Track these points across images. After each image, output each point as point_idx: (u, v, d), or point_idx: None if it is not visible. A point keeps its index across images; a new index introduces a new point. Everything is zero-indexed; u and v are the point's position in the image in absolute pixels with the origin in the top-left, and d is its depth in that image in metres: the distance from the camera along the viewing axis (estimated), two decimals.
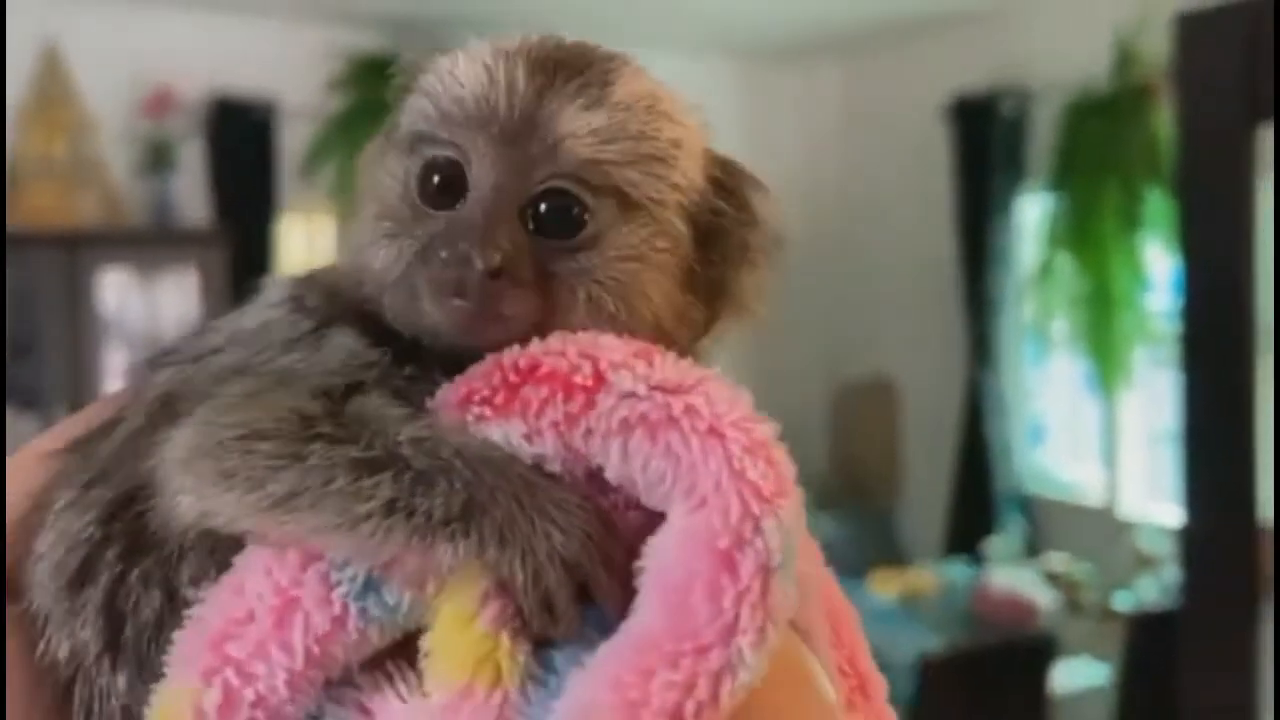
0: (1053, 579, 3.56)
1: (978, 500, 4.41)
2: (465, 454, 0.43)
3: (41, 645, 0.47)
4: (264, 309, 0.52)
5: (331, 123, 4.12)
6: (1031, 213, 4.31)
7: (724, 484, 0.42)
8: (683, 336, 0.51)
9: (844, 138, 5.21)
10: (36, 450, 0.52)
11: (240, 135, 4.02)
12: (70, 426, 0.53)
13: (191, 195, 3.99)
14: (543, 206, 0.47)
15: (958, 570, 3.78)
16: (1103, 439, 4.18)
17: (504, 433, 0.45)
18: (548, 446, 0.44)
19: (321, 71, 4.14)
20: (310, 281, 0.53)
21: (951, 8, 4.27)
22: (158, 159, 3.87)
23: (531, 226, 0.47)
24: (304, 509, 0.43)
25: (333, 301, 0.51)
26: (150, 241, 3.84)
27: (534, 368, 0.45)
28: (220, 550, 0.45)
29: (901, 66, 4.87)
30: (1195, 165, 2.34)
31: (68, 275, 3.50)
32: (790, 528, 0.42)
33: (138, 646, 0.46)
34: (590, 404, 0.44)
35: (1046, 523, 4.33)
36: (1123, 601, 3.40)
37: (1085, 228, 3.90)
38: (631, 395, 0.44)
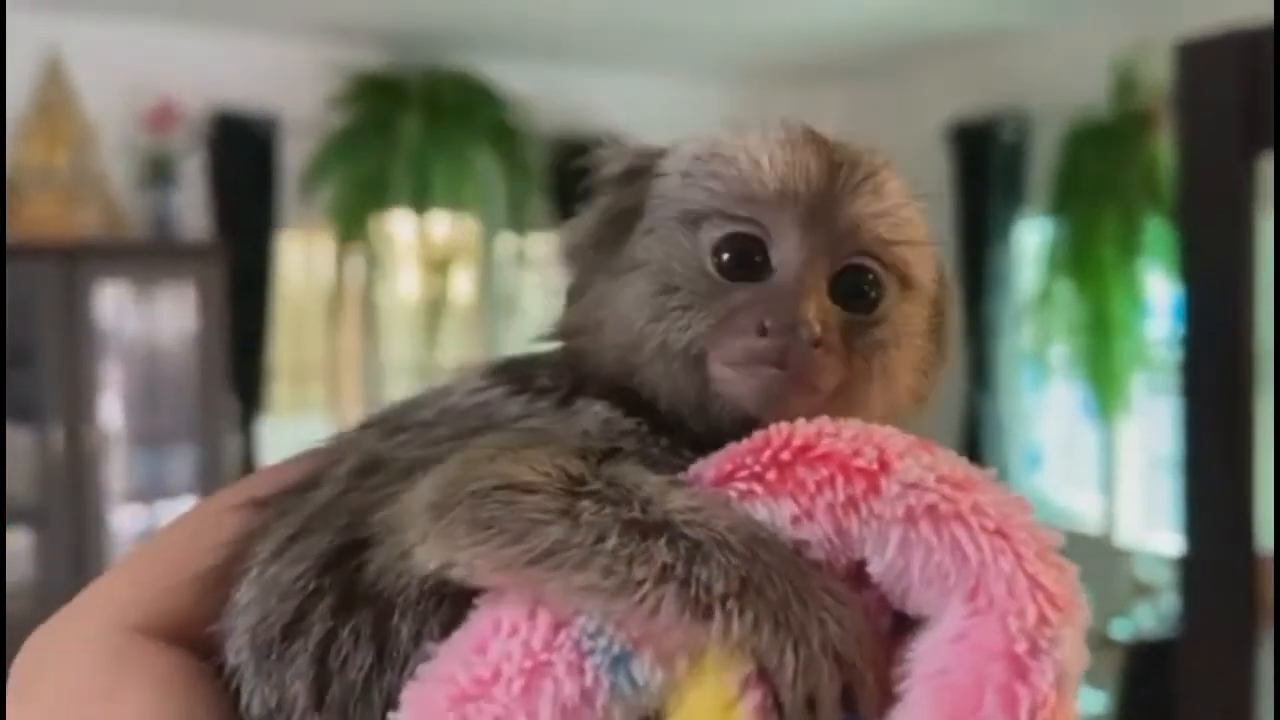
0: None
1: None
2: (739, 530, 0.42)
3: (244, 699, 0.46)
4: (473, 391, 0.52)
5: (331, 139, 4.13)
6: (1031, 238, 4.32)
7: (1018, 587, 0.41)
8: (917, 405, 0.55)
9: None
10: (221, 503, 0.52)
11: (241, 150, 4.02)
12: (256, 482, 0.53)
13: (191, 209, 3.99)
14: (844, 282, 0.49)
15: None
16: (1101, 466, 4.17)
17: (770, 512, 0.43)
18: (817, 531, 0.42)
19: (322, 88, 4.16)
20: (527, 364, 0.53)
21: (952, 33, 4.29)
22: (158, 172, 3.87)
23: (833, 301, 0.49)
24: (571, 567, 0.41)
25: (573, 378, 0.51)
26: (149, 255, 3.83)
27: (809, 447, 0.43)
28: (447, 607, 0.44)
29: (902, 91, 4.89)
30: (1195, 193, 2.34)
31: (67, 287, 3.50)
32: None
33: (344, 704, 0.44)
34: (874, 489, 0.42)
35: None
36: (1120, 630, 3.39)
37: (1084, 254, 3.91)
38: (917, 486, 0.42)
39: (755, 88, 5.16)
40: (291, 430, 4.28)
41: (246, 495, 0.52)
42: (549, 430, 0.48)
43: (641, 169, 0.53)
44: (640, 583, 0.40)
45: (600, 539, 0.41)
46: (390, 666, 0.44)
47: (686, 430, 0.49)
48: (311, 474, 0.51)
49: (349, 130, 4.14)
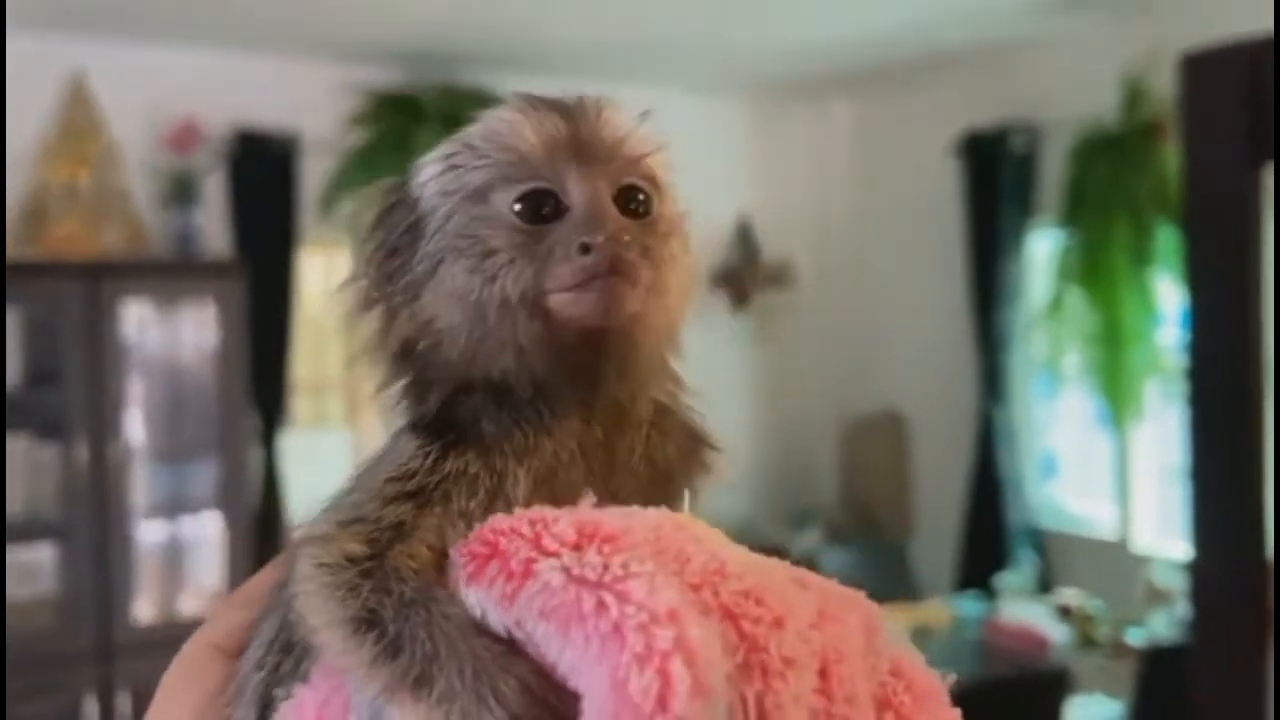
0: (1065, 614, 3.56)
1: (989, 535, 4.40)
2: (431, 623, 0.48)
3: None
4: (391, 434, 0.60)
5: (350, 157, 4.18)
6: (1042, 248, 4.34)
7: (604, 695, 0.41)
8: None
9: (854, 174, 5.26)
10: (204, 642, 0.61)
11: (261, 169, 4.09)
12: (228, 609, 0.61)
13: (213, 227, 4.05)
14: (622, 201, 0.57)
15: (969, 605, 3.77)
16: (1114, 474, 4.18)
17: (477, 599, 0.48)
18: (506, 620, 0.46)
19: (341, 106, 4.22)
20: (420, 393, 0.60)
21: (961, 45, 4.32)
22: (180, 191, 3.93)
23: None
24: (330, 639, 0.50)
25: (425, 395, 0.59)
26: (172, 272, 3.89)
27: (494, 543, 0.48)
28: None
29: (912, 104, 4.92)
30: (1200, 204, 2.36)
31: (91, 304, 3.55)
32: None
33: None
34: (519, 588, 0.46)
35: (1058, 558, 4.32)
36: (1135, 636, 3.40)
37: (1096, 263, 3.92)
38: (547, 587, 0.45)
39: (767, 103, 5.20)
40: (311, 444, 4.34)
41: (223, 631, 0.61)
42: (355, 504, 0.55)
43: (398, 200, 0.60)
44: (361, 665, 0.49)
45: (338, 623, 0.50)
46: None
47: (528, 405, 0.56)
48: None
49: (367, 148, 4.20)
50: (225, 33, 3.99)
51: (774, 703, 0.44)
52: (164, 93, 3.98)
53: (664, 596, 0.43)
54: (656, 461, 0.59)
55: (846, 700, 0.47)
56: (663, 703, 0.40)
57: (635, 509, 0.51)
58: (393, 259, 0.59)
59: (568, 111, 0.58)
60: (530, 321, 0.55)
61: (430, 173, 0.59)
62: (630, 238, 0.55)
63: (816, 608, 0.49)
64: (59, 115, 3.85)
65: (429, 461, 0.55)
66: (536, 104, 0.58)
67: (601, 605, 0.42)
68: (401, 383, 0.60)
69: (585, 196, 0.56)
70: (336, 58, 4.25)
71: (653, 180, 0.59)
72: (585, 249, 0.54)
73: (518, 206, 0.56)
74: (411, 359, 0.59)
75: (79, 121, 3.86)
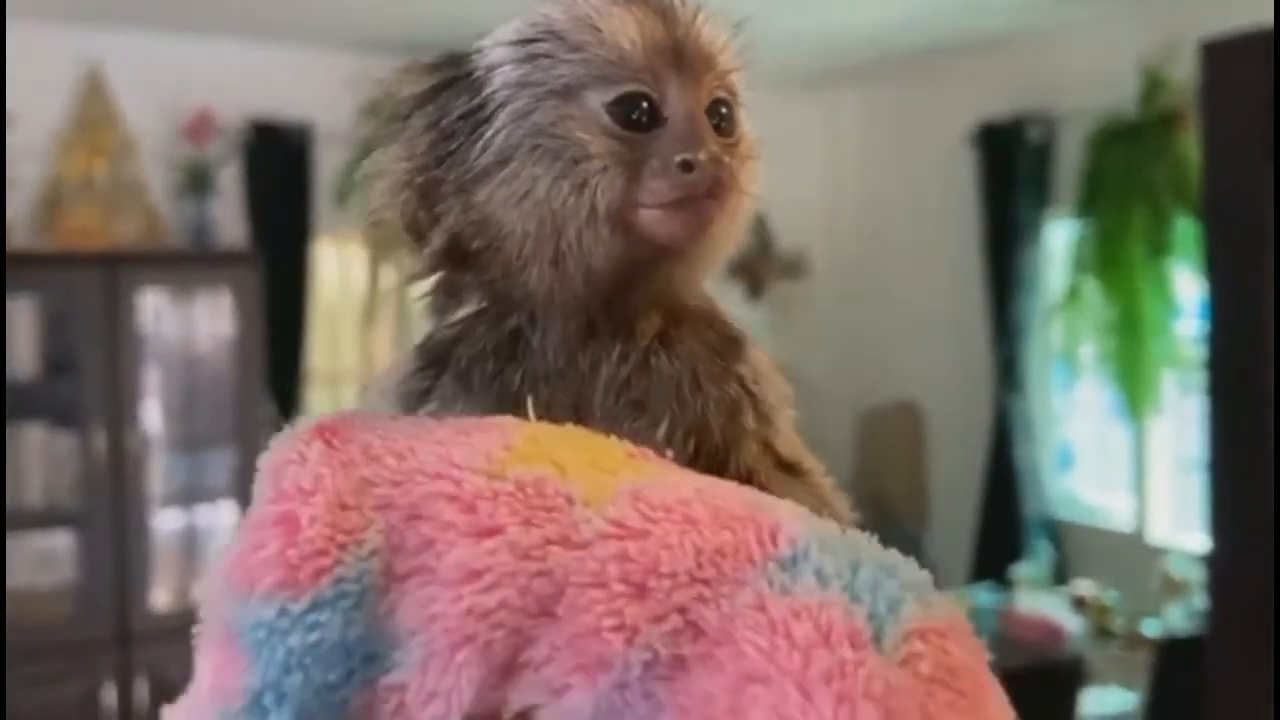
0: (1080, 605, 3.55)
1: (1005, 526, 4.39)
2: None
3: None
4: (394, 372, 0.59)
5: (364, 148, 4.18)
6: (1058, 238, 4.31)
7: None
8: None
9: (868, 165, 5.24)
10: None
11: (276, 159, 4.10)
12: None
13: (228, 217, 4.06)
14: (712, 114, 0.54)
15: (985, 595, 3.76)
16: (1131, 465, 4.16)
17: None
18: None
19: (356, 97, 4.22)
20: (447, 334, 0.57)
21: (976, 34, 4.30)
22: (196, 182, 3.94)
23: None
24: None
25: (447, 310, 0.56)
26: (188, 262, 3.90)
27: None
28: None
29: (928, 93, 4.90)
30: (1220, 193, 2.34)
31: (108, 295, 3.57)
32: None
33: None
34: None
35: (1074, 549, 4.30)
36: (1151, 628, 3.38)
37: (1113, 253, 3.90)
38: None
39: (781, 92, 5.18)
40: None
41: None
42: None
43: (452, 76, 0.55)
44: None
45: None
46: None
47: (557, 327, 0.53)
48: None
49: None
50: (240, 23, 4.00)
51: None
52: (179, 84, 3.99)
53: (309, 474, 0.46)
54: (643, 388, 0.53)
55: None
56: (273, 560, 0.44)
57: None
58: (446, 141, 0.54)
59: (665, 12, 0.54)
60: (611, 235, 0.51)
61: (502, 56, 0.54)
62: (724, 156, 0.53)
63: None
64: (75, 106, 3.87)
65: (421, 385, 0.53)
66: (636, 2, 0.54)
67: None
68: (435, 277, 0.56)
69: (685, 108, 0.53)
70: (351, 48, 4.25)
71: (737, 96, 0.57)
72: (687, 166, 0.51)
73: (614, 110, 0.52)
74: (454, 255, 0.54)
75: (95, 113, 3.88)
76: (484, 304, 0.54)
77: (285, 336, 4.07)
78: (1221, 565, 2.31)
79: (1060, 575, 4.09)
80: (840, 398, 5.15)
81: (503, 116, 0.52)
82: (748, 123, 0.57)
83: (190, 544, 3.83)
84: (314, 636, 0.42)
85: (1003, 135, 4.38)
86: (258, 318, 3.80)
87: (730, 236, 0.55)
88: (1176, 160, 3.70)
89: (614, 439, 0.49)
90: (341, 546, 0.44)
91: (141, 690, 3.53)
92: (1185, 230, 3.65)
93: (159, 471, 3.75)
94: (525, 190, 0.51)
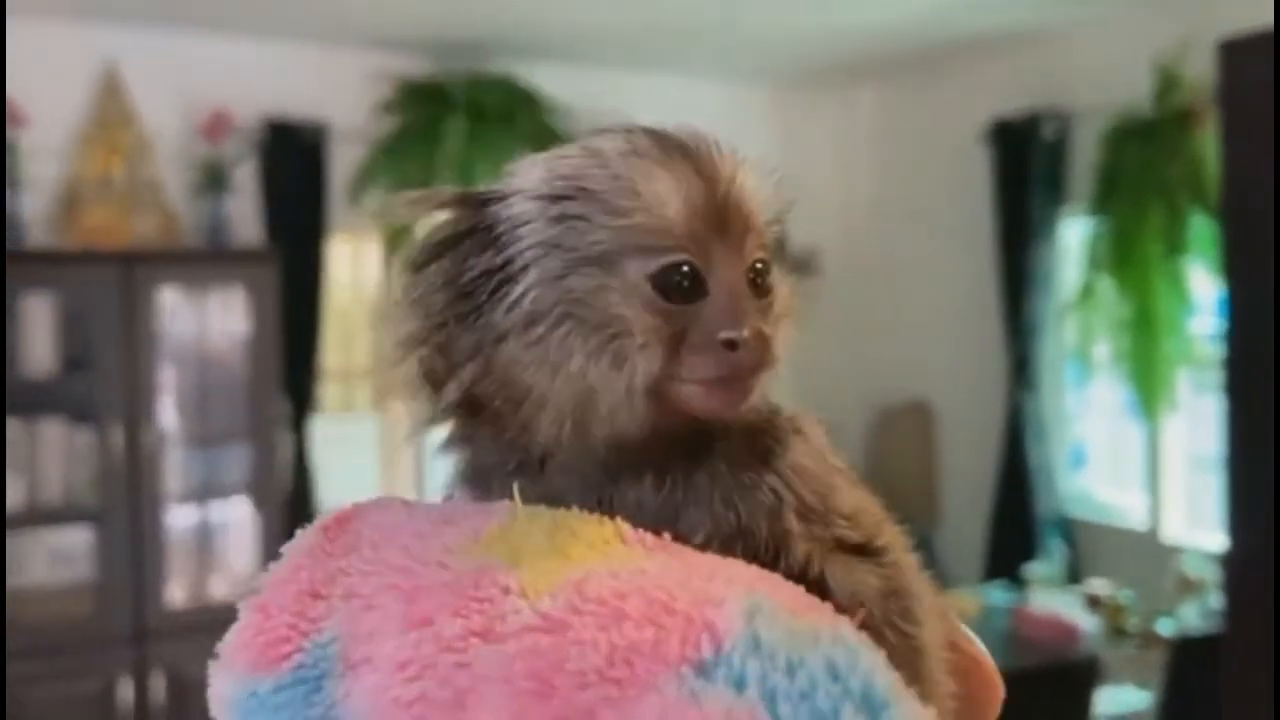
0: (1094, 604, 3.54)
1: (1018, 524, 4.38)
2: None
3: None
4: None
5: (379, 146, 4.21)
6: (1073, 236, 4.30)
7: None
8: None
9: (881, 162, 5.23)
10: None
11: (291, 157, 4.11)
12: None
13: (244, 216, 4.08)
14: (752, 278, 0.52)
15: (998, 594, 3.76)
16: (1145, 463, 4.15)
17: None
18: None
19: (369, 95, 4.24)
20: (483, 463, 0.54)
21: (990, 30, 4.29)
22: (212, 180, 3.97)
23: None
24: None
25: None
26: (204, 260, 3.93)
27: None
28: None
29: (942, 90, 4.89)
30: (1239, 190, 2.34)
31: (125, 292, 3.60)
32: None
33: None
34: None
35: (1088, 547, 4.29)
36: (1165, 627, 3.37)
37: (1127, 251, 3.88)
38: None
39: (794, 89, 5.18)
40: (341, 430, 4.38)
41: None
42: None
43: (472, 227, 0.51)
44: None
45: None
46: None
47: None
48: None
49: (395, 136, 4.22)
50: (255, 22, 4.02)
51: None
52: (195, 83, 4.02)
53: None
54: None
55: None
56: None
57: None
58: (464, 300, 0.50)
59: (703, 166, 0.50)
60: (646, 408, 0.49)
61: (529, 211, 0.50)
62: (766, 330, 0.50)
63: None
64: (92, 106, 3.90)
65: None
66: (667, 150, 0.50)
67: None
68: (449, 430, 0.53)
69: (728, 278, 0.50)
70: (365, 47, 4.27)
71: (774, 251, 0.53)
72: (731, 345, 0.49)
73: (657, 282, 0.49)
74: (469, 406, 0.52)
75: (112, 112, 3.91)
76: (501, 453, 0.52)
77: (300, 334, 4.09)
78: (1238, 564, 2.30)
79: (1074, 574, 4.08)
80: (853, 396, 5.15)
81: (531, 276, 0.49)
82: (779, 275, 0.54)
83: (206, 540, 3.86)
84: (280, 717, 0.46)
85: (1017, 132, 4.36)
86: (273, 315, 3.82)
87: (762, 390, 0.52)
88: (1191, 157, 3.68)
89: (614, 523, 0.47)
90: (304, 634, 0.46)
91: (158, 685, 3.56)
92: (1200, 228, 3.64)
93: (175, 468, 3.77)
94: (558, 360, 0.49)
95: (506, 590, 0.43)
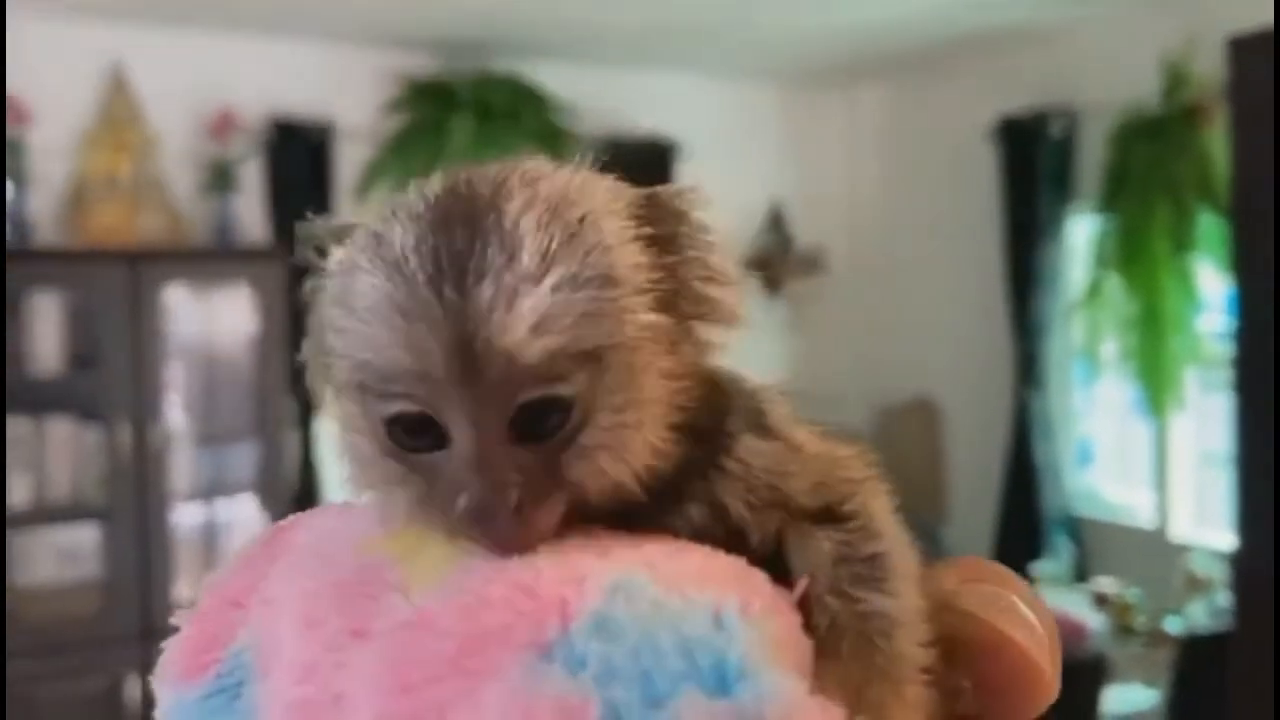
0: (1101, 602, 3.53)
1: (1025, 523, 4.38)
2: None
3: None
4: None
5: (385, 145, 4.21)
6: (1080, 234, 4.29)
7: None
8: (689, 379, 0.46)
9: (887, 160, 5.22)
10: None
11: (297, 156, 4.12)
12: None
13: (250, 214, 4.09)
14: (521, 423, 0.42)
15: None
16: (1153, 462, 4.14)
17: None
18: None
19: (376, 94, 4.24)
20: None
21: (997, 28, 4.28)
22: (218, 179, 3.97)
23: (523, 441, 0.43)
24: None
25: None
26: (210, 259, 3.94)
27: None
28: None
29: (948, 88, 4.88)
30: (1248, 188, 2.33)
31: (131, 291, 3.60)
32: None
33: None
34: None
35: (1095, 546, 4.29)
36: (1173, 625, 3.37)
37: (1135, 249, 3.87)
38: None
39: (800, 88, 5.17)
40: None
41: None
42: None
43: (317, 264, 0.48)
44: None
45: None
46: None
47: None
48: None
49: (401, 135, 4.22)
50: (262, 21, 4.02)
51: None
52: (202, 82, 4.02)
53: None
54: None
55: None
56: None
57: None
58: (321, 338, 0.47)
59: (456, 293, 0.41)
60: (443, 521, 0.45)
61: (337, 273, 0.46)
62: (521, 476, 0.42)
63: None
64: (99, 105, 3.90)
65: None
66: (423, 272, 0.42)
67: None
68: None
69: (464, 432, 0.42)
70: (371, 46, 4.27)
71: (569, 371, 0.42)
72: (458, 505, 0.42)
73: (389, 429, 0.44)
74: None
75: (119, 111, 3.91)
76: None
77: (307, 332, 4.09)
78: (1247, 562, 2.30)
79: (1081, 572, 4.08)
80: (859, 394, 5.14)
81: (328, 337, 0.46)
82: (619, 368, 0.43)
83: (212, 539, 3.86)
84: None
85: (1024, 130, 4.36)
86: (279, 314, 3.83)
87: (610, 472, 0.43)
88: (1199, 155, 3.67)
89: None
90: (223, 644, 0.46)
91: None
92: (1208, 225, 3.63)
93: (182, 466, 3.78)
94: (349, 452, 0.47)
95: (390, 586, 0.41)
